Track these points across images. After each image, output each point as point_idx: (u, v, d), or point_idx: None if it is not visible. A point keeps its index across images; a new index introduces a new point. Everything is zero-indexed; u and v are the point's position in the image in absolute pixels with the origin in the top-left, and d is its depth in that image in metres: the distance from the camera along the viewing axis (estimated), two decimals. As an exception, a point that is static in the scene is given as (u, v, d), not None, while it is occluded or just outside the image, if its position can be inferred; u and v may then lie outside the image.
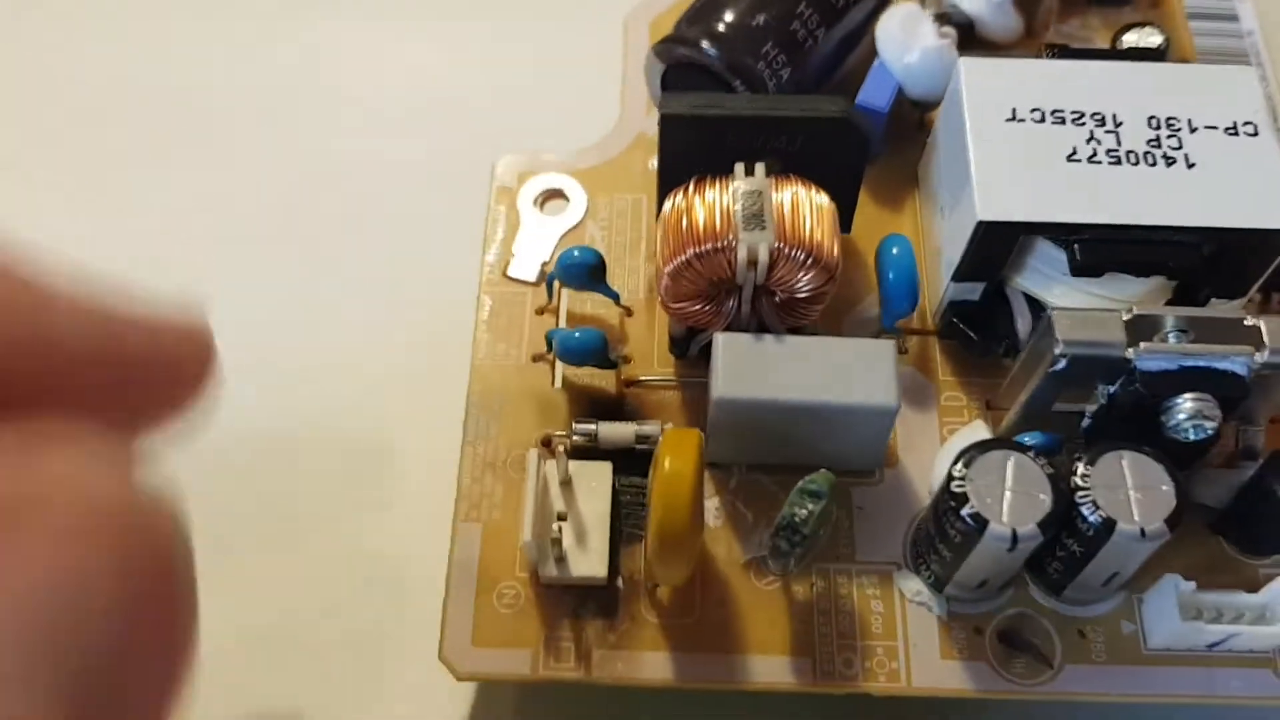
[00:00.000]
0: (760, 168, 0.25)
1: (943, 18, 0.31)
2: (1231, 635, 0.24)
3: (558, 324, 0.28)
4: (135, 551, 0.13)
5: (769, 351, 0.24)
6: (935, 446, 0.26)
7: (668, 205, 0.25)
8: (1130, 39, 0.29)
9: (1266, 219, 0.24)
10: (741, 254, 0.24)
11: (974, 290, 0.26)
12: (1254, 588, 0.25)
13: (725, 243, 0.24)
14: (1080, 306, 0.25)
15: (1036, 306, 0.26)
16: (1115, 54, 0.28)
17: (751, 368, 0.24)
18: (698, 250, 0.24)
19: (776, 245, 0.24)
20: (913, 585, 0.25)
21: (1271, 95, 0.32)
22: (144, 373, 0.16)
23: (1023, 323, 0.26)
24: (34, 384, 0.14)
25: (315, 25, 0.36)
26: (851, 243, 0.29)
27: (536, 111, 0.33)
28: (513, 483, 0.26)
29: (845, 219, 0.28)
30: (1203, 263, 0.24)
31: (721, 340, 0.24)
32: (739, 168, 0.25)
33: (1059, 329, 0.23)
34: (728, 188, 0.25)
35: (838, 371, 0.24)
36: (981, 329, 0.27)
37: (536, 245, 0.29)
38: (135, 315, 0.16)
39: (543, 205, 0.30)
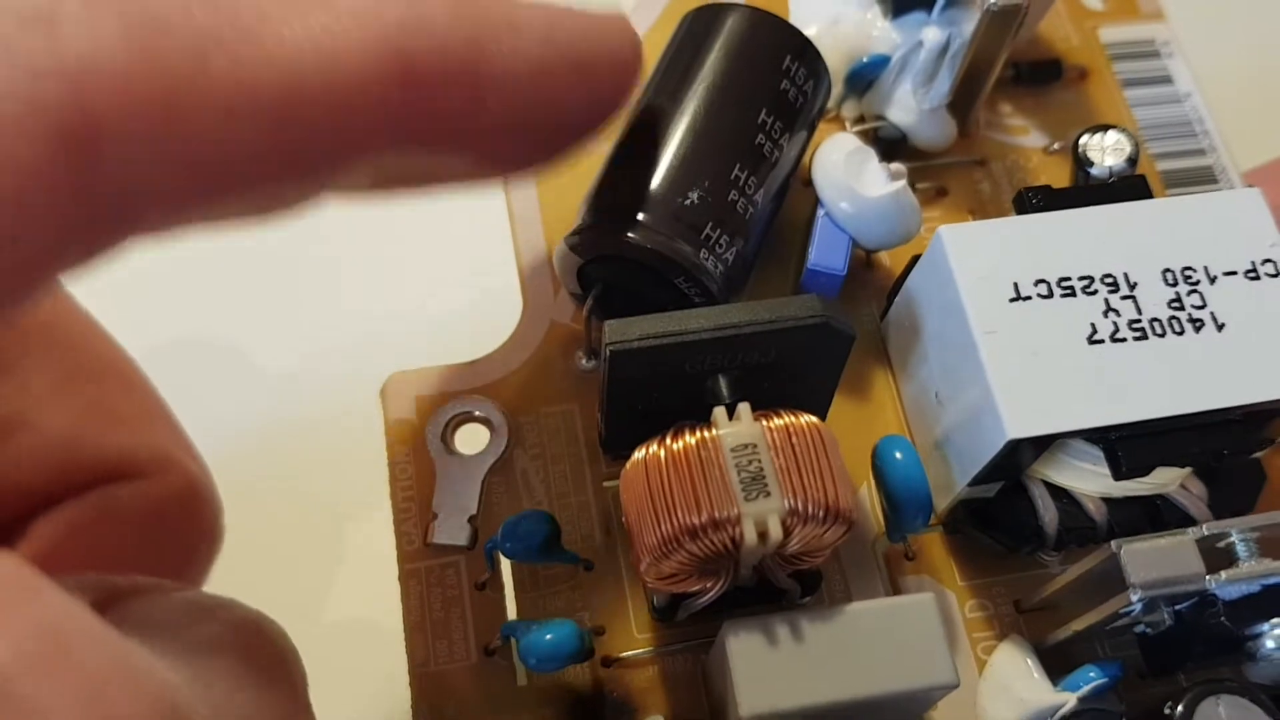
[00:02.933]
0: (745, 410, 0.20)
1: (867, 135, 0.27)
2: None
3: (504, 602, 0.23)
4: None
5: (789, 641, 0.20)
6: (971, 674, 0.23)
7: (635, 464, 0.20)
8: (1092, 145, 0.26)
9: (1314, 381, 0.21)
10: (749, 532, 0.19)
11: (989, 490, 0.23)
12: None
13: (726, 514, 0.19)
14: (1106, 492, 0.22)
15: (1056, 491, 0.22)
16: (1098, 190, 0.24)
17: (775, 669, 0.20)
18: (689, 528, 0.19)
19: (789, 510, 0.20)
20: None
21: (1225, 167, 0.29)
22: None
23: (1048, 517, 0.22)
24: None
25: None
26: (826, 430, 0.25)
27: (418, 314, 0.27)
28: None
29: (820, 412, 0.24)
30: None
31: (731, 643, 0.20)
32: (719, 413, 0.20)
33: (1133, 570, 0.19)
34: (710, 439, 0.20)
35: (880, 650, 0.20)
36: (1000, 527, 0.23)
37: (457, 496, 0.24)
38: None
39: (453, 438, 0.24)
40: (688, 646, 0.23)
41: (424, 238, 0.28)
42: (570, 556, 0.22)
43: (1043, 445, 0.21)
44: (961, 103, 0.27)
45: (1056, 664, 0.22)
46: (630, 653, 0.23)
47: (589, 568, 0.23)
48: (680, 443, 0.20)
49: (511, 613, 0.23)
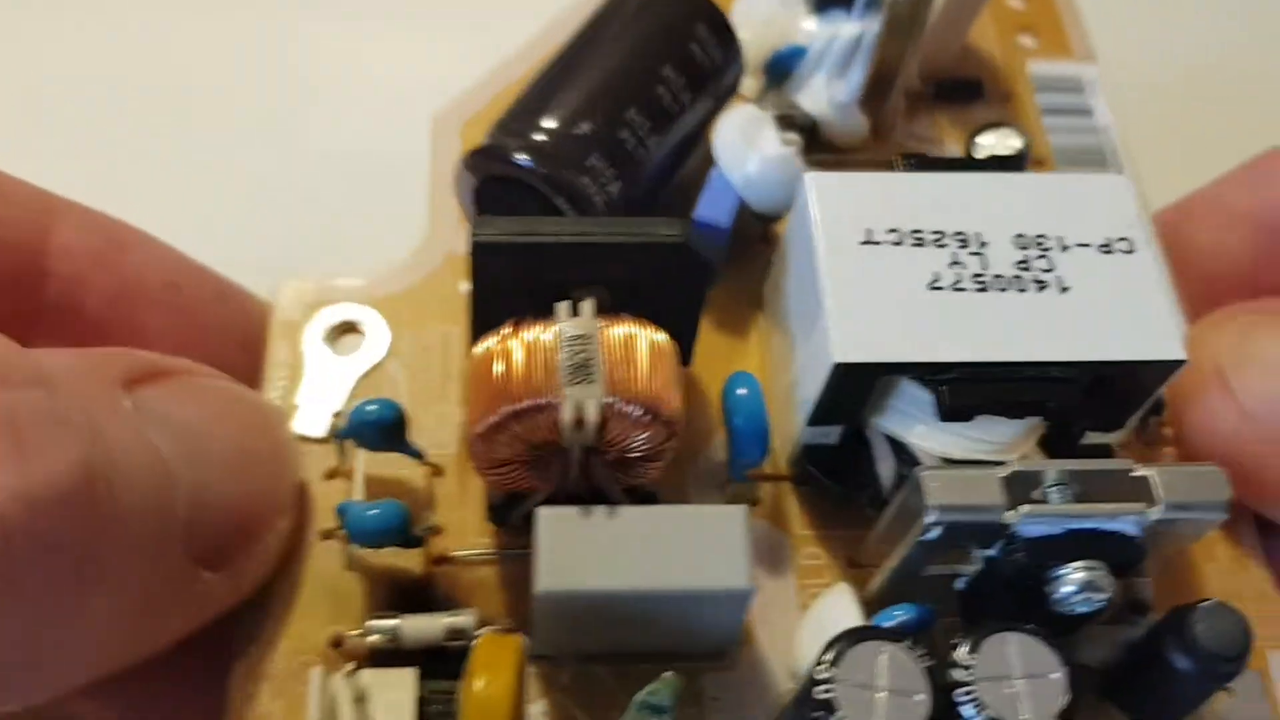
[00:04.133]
0: (588, 306, 0.21)
1: (785, 120, 0.28)
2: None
3: (351, 490, 0.24)
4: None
5: (600, 529, 0.20)
6: (794, 616, 0.23)
7: (478, 350, 0.21)
8: (986, 141, 0.27)
9: (1147, 350, 0.21)
10: (566, 413, 0.20)
11: (830, 434, 0.23)
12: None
13: (547, 400, 0.20)
14: (946, 451, 0.22)
15: (899, 448, 0.23)
16: (975, 164, 0.25)
17: (580, 552, 0.20)
18: (514, 409, 0.20)
19: (607, 401, 0.20)
20: (778, 792, 0.21)
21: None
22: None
23: (885, 468, 0.23)
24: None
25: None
26: (693, 378, 0.25)
27: (330, 229, 0.29)
28: (296, 698, 0.21)
29: (685, 351, 0.24)
30: (1084, 399, 0.22)
31: (544, 521, 0.20)
32: (562, 307, 0.21)
33: (929, 492, 0.20)
34: (549, 330, 0.21)
35: (681, 549, 0.20)
36: (841, 475, 0.23)
37: (327, 392, 0.25)
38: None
39: (335, 342, 0.25)
40: (520, 554, 0.23)
41: (347, 153, 0.30)
42: (413, 450, 0.23)
43: (872, 380, 0.22)
44: (874, 102, 0.29)
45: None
46: (462, 552, 0.23)
47: (439, 473, 0.24)
48: (521, 332, 0.21)
49: (358, 503, 0.23)
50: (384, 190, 0.28)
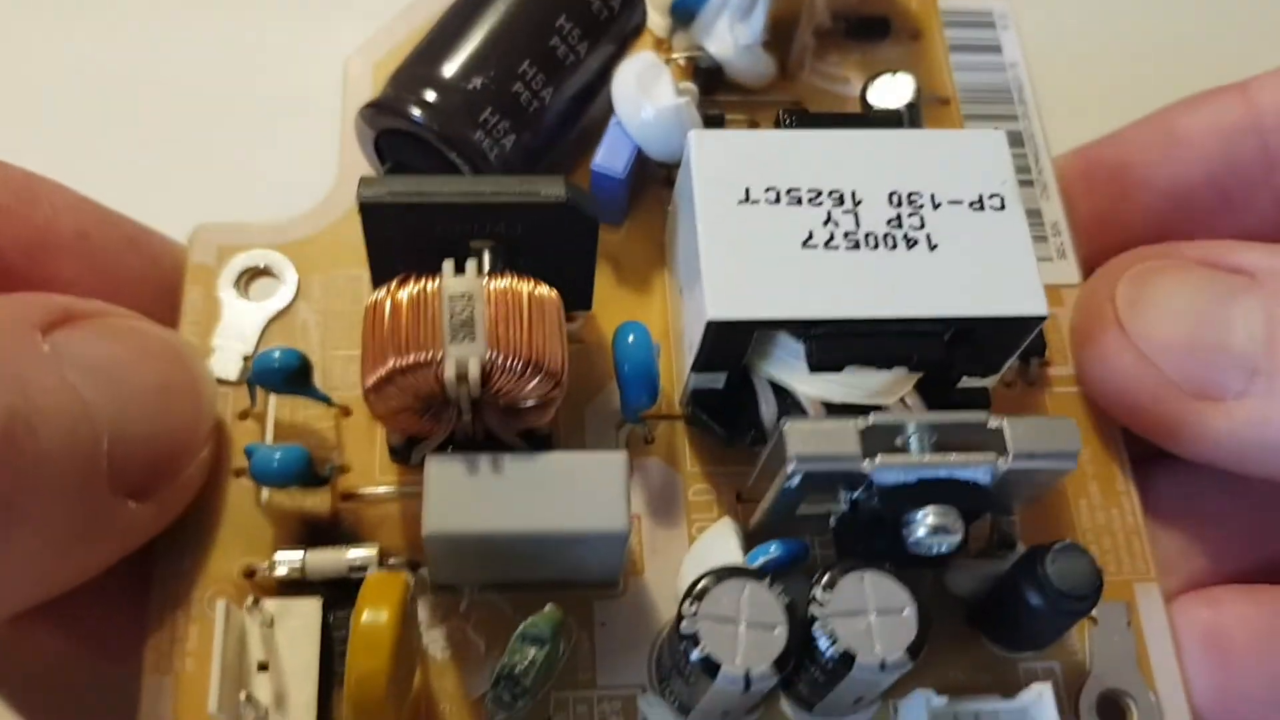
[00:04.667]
0: (471, 265, 0.22)
1: (689, 62, 0.29)
2: (985, 749, 0.23)
3: (263, 430, 0.25)
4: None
5: (486, 476, 0.22)
6: (684, 548, 0.25)
7: (367, 304, 0.22)
8: (881, 87, 0.28)
9: (1009, 306, 0.23)
10: (449, 370, 0.21)
11: (716, 380, 0.24)
12: (1013, 685, 0.24)
13: (430, 355, 0.21)
14: (824, 396, 0.24)
15: (782, 393, 0.24)
16: (857, 119, 0.26)
17: (465, 496, 0.22)
18: (398, 364, 0.21)
19: (489, 356, 0.21)
20: (658, 712, 0.23)
21: (1034, 134, 0.31)
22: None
23: (768, 410, 0.24)
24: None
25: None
26: (594, 322, 0.27)
27: (243, 176, 0.29)
28: (210, 623, 0.23)
29: (584, 295, 0.25)
30: (948, 351, 0.23)
31: (432, 468, 0.22)
32: (448, 265, 0.22)
33: (791, 444, 0.21)
34: (433, 287, 0.22)
35: (562, 493, 0.22)
36: (727, 417, 0.25)
37: (239, 336, 0.26)
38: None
39: (246, 287, 0.26)
40: (419, 492, 0.24)
41: (260, 96, 0.30)
42: (320, 394, 0.24)
43: (747, 335, 0.23)
44: (779, 43, 0.29)
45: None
46: (368, 489, 0.24)
47: (346, 414, 0.25)
48: (406, 288, 0.22)
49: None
50: (296, 135, 0.28)
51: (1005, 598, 0.23)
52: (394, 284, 0.22)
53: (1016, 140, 0.30)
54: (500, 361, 0.21)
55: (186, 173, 0.29)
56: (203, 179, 0.29)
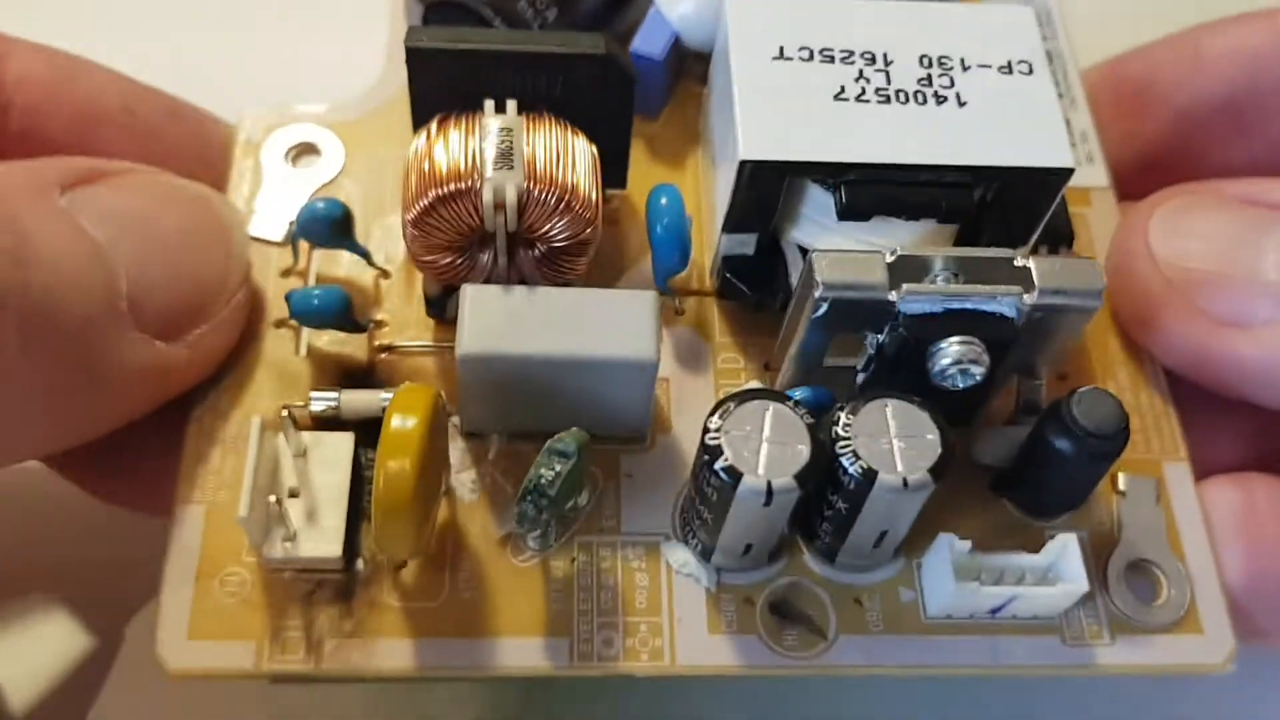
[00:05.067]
0: (512, 105, 0.23)
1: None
2: (1012, 599, 0.22)
3: (305, 284, 0.25)
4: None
5: (520, 305, 0.22)
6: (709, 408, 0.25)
7: (412, 146, 0.23)
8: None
9: (1036, 157, 0.23)
10: (487, 195, 0.22)
11: (747, 243, 0.25)
12: (1039, 548, 0.23)
13: (470, 184, 0.22)
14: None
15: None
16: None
17: (500, 322, 0.22)
18: (440, 192, 0.22)
19: (525, 186, 0.22)
20: (680, 555, 0.23)
21: (1063, 52, 0.31)
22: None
23: (797, 274, 0.25)
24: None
25: None
26: (628, 200, 0.27)
27: (296, 64, 0.30)
28: (244, 459, 0.23)
29: (619, 171, 0.26)
30: (976, 205, 0.23)
31: (469, 293, 0.22)
32: (489, 104, 0.23)
33: (819, 270, 0.21)
34: (476, 126, 0.23)
35: (593, 324, 0.22)
36: (757, 284, 0.25)
37: (283, 202, 0.26)
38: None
39: (295, 161, 0.27)
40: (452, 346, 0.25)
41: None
42: (361, 250, 0.25)
43: (778, 182, 0.23)
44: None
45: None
46: (403, 342, 0.25)
47: (385, 276, 0.26)
48: (449, 125, 0.23)
49: (311, 300, 0.25)
50: (347, 23, 0.29)
51: (1033, 453, 0.23)
52: (436, 123, 0.23)
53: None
54: (536, 193, 0.22)
55: (239, 61, 0.30)
56: (255, 68, 0.30)
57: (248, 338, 0.25)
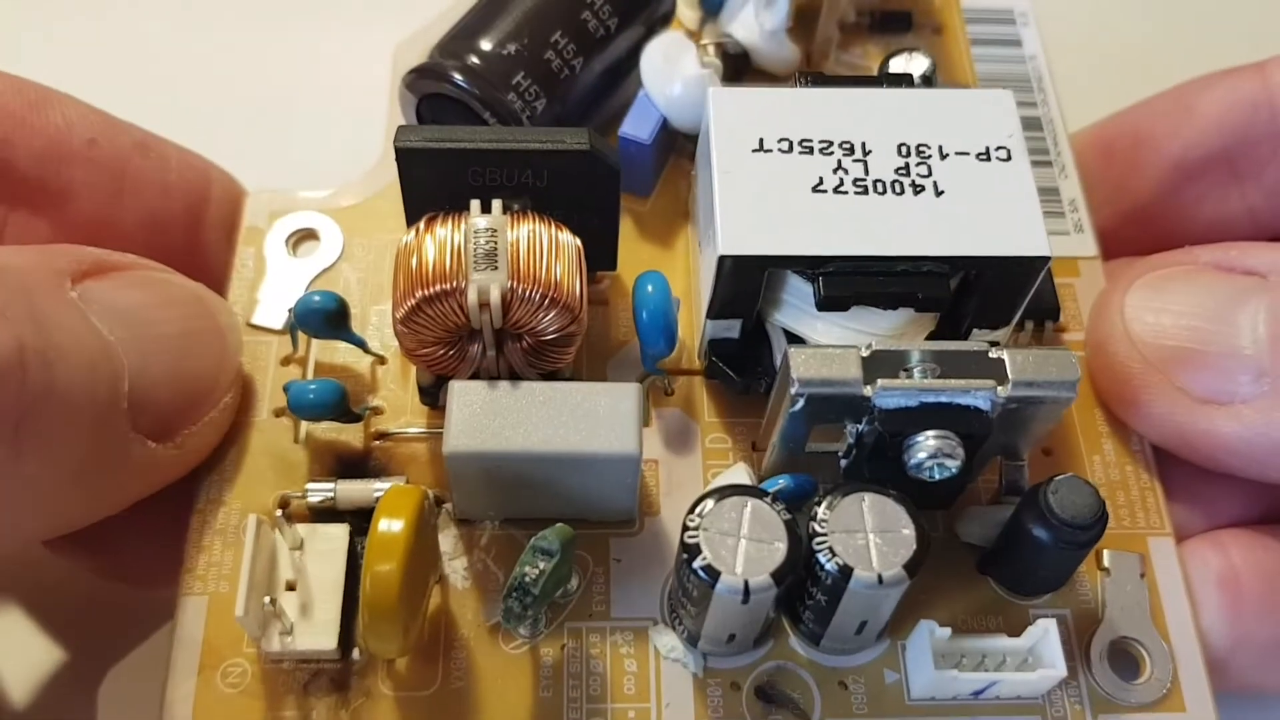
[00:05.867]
0: (497, 204, 0.24)
1: (717, 48, 0.30)
2: (992, 683, 0.23)
3: (304, 373, 0.26)
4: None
5: (505, 399, 0.23)
6: (698, 490, 0.25)
7: (400, 243, 0.24)
8: (898, 64, 0.29)
9: (1012, 246, 0.23)
10: (472, 296, 0.23)
11: (732, 328, 0.25)
12: (1022, 629, 0.24)
13: (455, 285, 0.23)
14: (836, 343, 0.24)
15: (796, 341, 0.25)
16: (870, 80, 0.27)
17: (485, 418, 0.23)
18: (426, 293, 0.23)
19: (510, 285, 0.23)
20: (667, 641, 0.23)
21: (1053, 120, 0.31)
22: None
23: (780, 354, 0.25)
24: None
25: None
26: (619, 282, 0.28)
27: (298, 148, 0.31)
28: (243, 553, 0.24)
29: (609, 254, 0.27)
30: (953, 293, 0.24)
31: (455, 389, 0.23)
32: (475, 204, 0.24)
33: (794, 367, 0.22)
34: (461, 225, 0.23)
35: (577, 418, 0.23)
36: (743, 368, 0.26)
37: (285, 290, 0.27)
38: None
39: (295, 248, 0.28)
40: (449, 433, 0.26)
41: (317, 83, 0.33)
42: (356, 339, 0.26)
43: (759, 273, 0.24)
44: (804, 32, 0.31)
45: (770, 488, 0.24)
46: (397, 429, 0.26)
47: (381, 362, 0.27)
48: (435, 226, 0.24)
49: (310, 388, 0.26)
50: (349, 116, 0.30)
51: (1012, 537, 0.24)
52: (423, 223, 0.24)
53: (1035, 124, 0.31)
54: (520, 291, 0.23)
55: (245, 150, 0.31)
56: (258, 157, 0.31)
57: (244, 426, 0.26)
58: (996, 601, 0.25)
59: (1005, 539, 0.24)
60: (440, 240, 0.23)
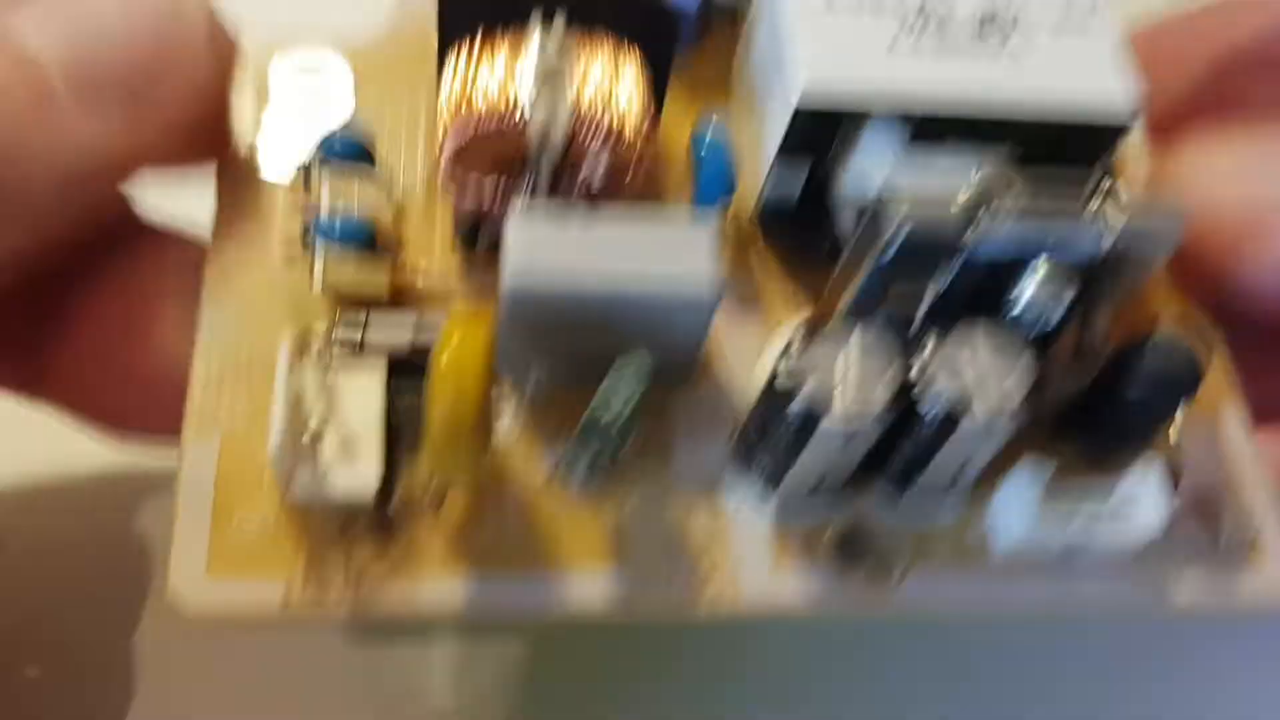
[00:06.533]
0: (559, 22, 0.22)
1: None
2: (1086, 535, 0.21)
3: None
4: None
5: (572, 232, 0.21)
6: (757, 348, 0.23)
7: (448, 70, 0.22)
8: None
9: (1100, 100, 0.22)
10: (537, 115, 0.20)
11: (793, 183, 0.23)
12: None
13: (513, 115, 0.20)
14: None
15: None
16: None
17: (550, 251, 0.20)
18: (481, 124, 0.21)
19: (573, 109, 0.21)
20: (739, 493, 0.21)
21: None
22: None
23: (846, 218, 0.23)
24: None
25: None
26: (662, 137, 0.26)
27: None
28: (259, 389, 0.21)
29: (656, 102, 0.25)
30: (1041, 149, 0.22)
31: (516, 221, 0.20)
32: (536, 19, 0.22)
33: (894, 208, 0.20)
34: (524, 40, 0.21)
35: (651, 255, 0.21)
36: (800, 232, 0.24)
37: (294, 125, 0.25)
38: None
39: (304, 88, 0.25)
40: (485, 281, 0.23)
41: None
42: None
43: (833, 120, 0.22)
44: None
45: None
46: (427, 280, 0.23)
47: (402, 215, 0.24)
48: (491, 44, 0.21)
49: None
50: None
51: (1098, 396, 0.22)
52: (473, 43, 0.21)
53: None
54: (584, 113, 0.21)
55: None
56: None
57: (250, 264, 0.23)
58: (1077, 473, 0.23)
59: (1089, 395, 0.23)
60: (498, 62, 0.21)
